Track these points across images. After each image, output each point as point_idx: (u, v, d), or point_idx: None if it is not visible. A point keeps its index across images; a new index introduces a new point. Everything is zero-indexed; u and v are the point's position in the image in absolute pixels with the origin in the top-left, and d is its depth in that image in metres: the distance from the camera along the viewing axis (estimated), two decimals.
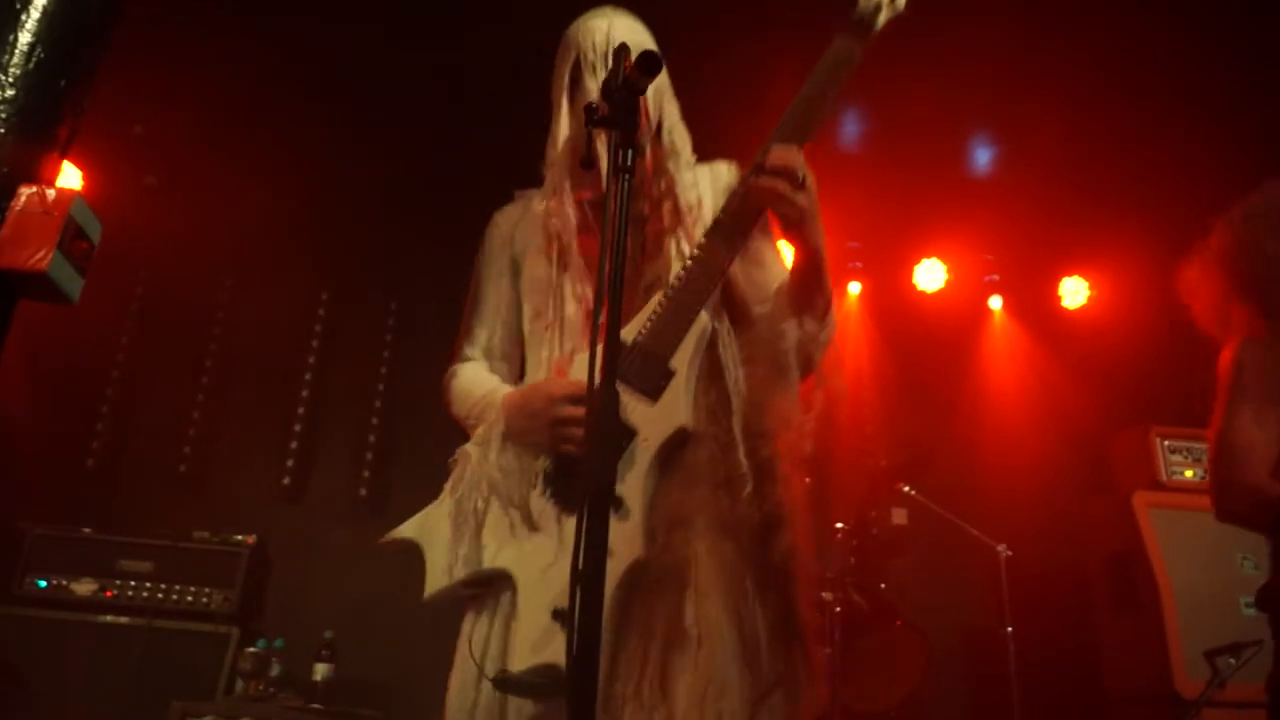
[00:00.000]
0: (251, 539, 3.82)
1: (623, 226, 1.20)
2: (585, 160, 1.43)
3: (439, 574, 1.56)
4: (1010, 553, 4.16)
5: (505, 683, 1.43)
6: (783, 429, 1.54)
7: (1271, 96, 4.27)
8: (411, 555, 1.63)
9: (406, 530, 1.63)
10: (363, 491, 4.46)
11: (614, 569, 1.39)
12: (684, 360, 1.52)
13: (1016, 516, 4.59)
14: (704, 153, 1.83)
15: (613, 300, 1.11)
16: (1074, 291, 5.48)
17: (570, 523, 1.49)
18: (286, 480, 4.48)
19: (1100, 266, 5.45)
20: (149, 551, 3.71)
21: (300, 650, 3.61)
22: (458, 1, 4.22)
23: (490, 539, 1.54)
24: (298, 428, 4.58)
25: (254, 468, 4.52)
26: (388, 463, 4.53)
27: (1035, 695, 4.05)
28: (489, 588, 1.57)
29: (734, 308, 1.66)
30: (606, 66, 1.66)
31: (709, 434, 1.53)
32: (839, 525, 4.16)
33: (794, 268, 1.62)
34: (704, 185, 1.76)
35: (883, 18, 1.61)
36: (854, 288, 5.44)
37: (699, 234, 1.65)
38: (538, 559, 1.49)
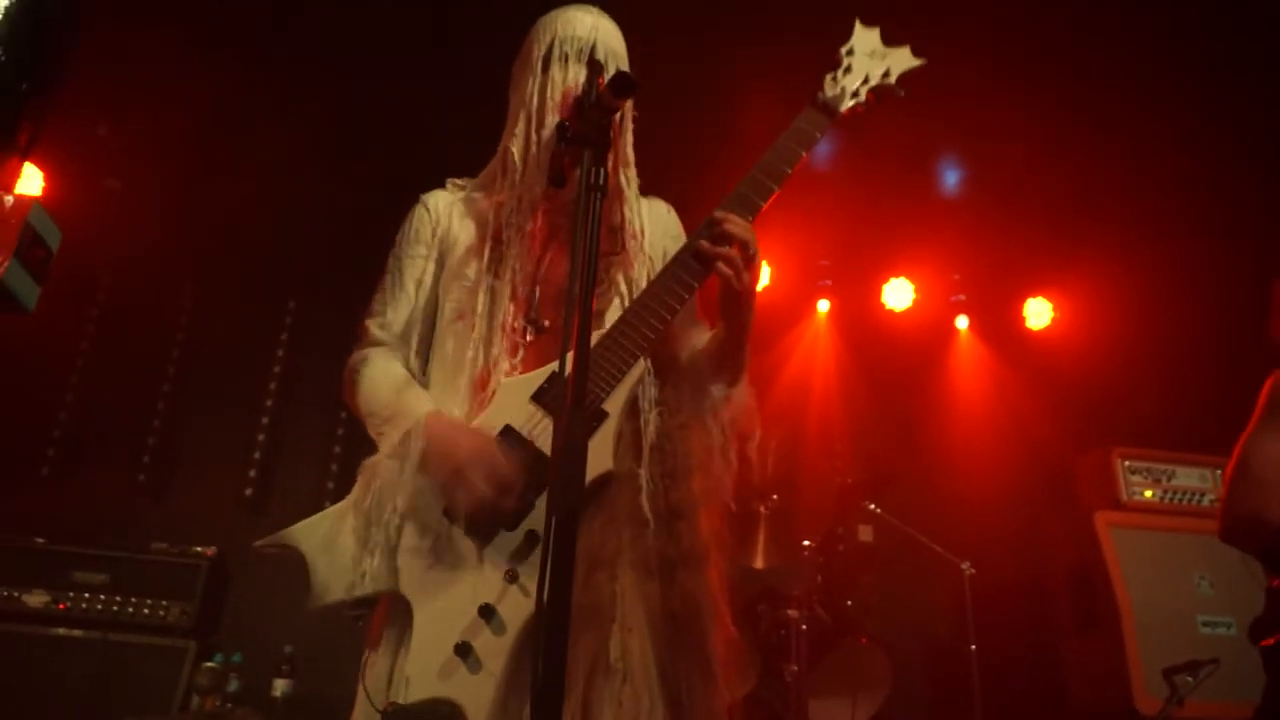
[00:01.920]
0: (211, 551, 3.75)
1: (594, 247, 1.19)
2: (555, 178, 1.42)
3: (335, 587, 1.44)
4: (974, 570, 4.19)
5: (397, 715, 1.36)
6: (698, 471, 1.55)
7: (1233, 124, 4.37)
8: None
9: (293, 537, 1.50)
10: (327, 503, 4.38)
11: (525, 604, 1.38)
12: (616, 404, 1.51)
13: (981, 534, 4.63)
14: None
15: (582, 324, 1.11)
16: (1038, 313, 5.56)
17: (483, 554, 1.44)
18: (249, 491, 4.41)
19: (1064, 289, 5.53)
20: (104, 563, 3.62)
21: (260, 665, 3.55)
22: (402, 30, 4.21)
23: (394, 560, 1.45)
24: (261, 437, 4.51)
25: (216, 478, 4.44)
26: (353, 473, 4.46)
27: (999, 712, 4.07)
28: (377, 613, 1.49)
29: (662, 355, 1.65)
30: (581, 61, 1.65)
31: (628, 475, 1.53)
32: (806, 543, 4.17)
33: (721, 336, 1.62)
34: (645, 218, 1.75)
35: (846, 106, 1.67)
36: (823, 306, 5.48)
37: (639, 266, 1.65)
38: (440, 587, 1.43)
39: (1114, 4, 3.95)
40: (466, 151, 1.90)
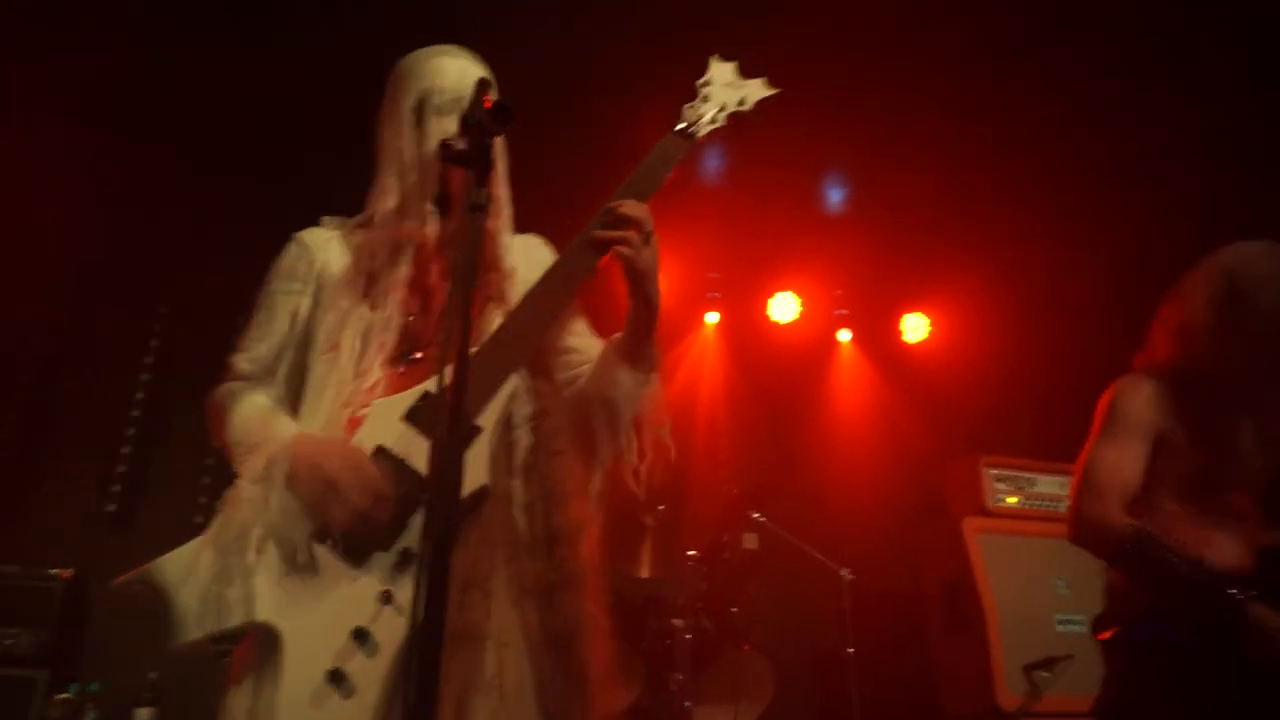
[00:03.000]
0: (67, 572, 3.53)
1: (472, 265, 1.19)
2: (439, 198, 1.41)
3: (198, 622, 1.38)
4: (853, 576, 4.33)
5: None
6: (575, 496, 1.56)
7: (1104, 146, 4.63)
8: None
9: (153, 572, 1.43)
10: (199, 519, 4.19)
11: (400, 625, 1.36)
12: (490, 419, 1.51)
13: (859, 541, 4.80)
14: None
15: (460, 336, 1.10)
16: (915, 327, 5.81)
17: (355, 576, 1.41)
18: (111, 507, 4.15)
19: (939, 304, 5.80)
20: None
21: (121, 695, 3.35)
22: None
23: (261, 588, 1.40)
24: (126, 450, 4.26)
25: (74, 492, 4.17)
26: (229, 486, 4.27)
27: (875, 714, 4.22)
28: (241, 647, 1.45)
29: (541, 369, 1.65)
30: (453, 113, 1.64)
31: (503, 493, 1.52)
32: (691, 552, 4.22)
33: (630, 320, 1.64)
34: (518, 255, 1.75)
35: (704, 131, 1.76)
36: (712, 318, 5.58)
37: (513, 303, 1.65)
38: (310, 612, 1.39)
39: (991, 24, 4.11)
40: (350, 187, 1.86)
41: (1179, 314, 2.25)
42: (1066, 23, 4.11)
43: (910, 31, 4.16)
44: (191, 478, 4.26)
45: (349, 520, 1.42)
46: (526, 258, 1.76)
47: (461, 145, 1.27)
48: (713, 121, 1.77)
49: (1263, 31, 3.94)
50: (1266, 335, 2.11)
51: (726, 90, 1.81)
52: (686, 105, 1.79)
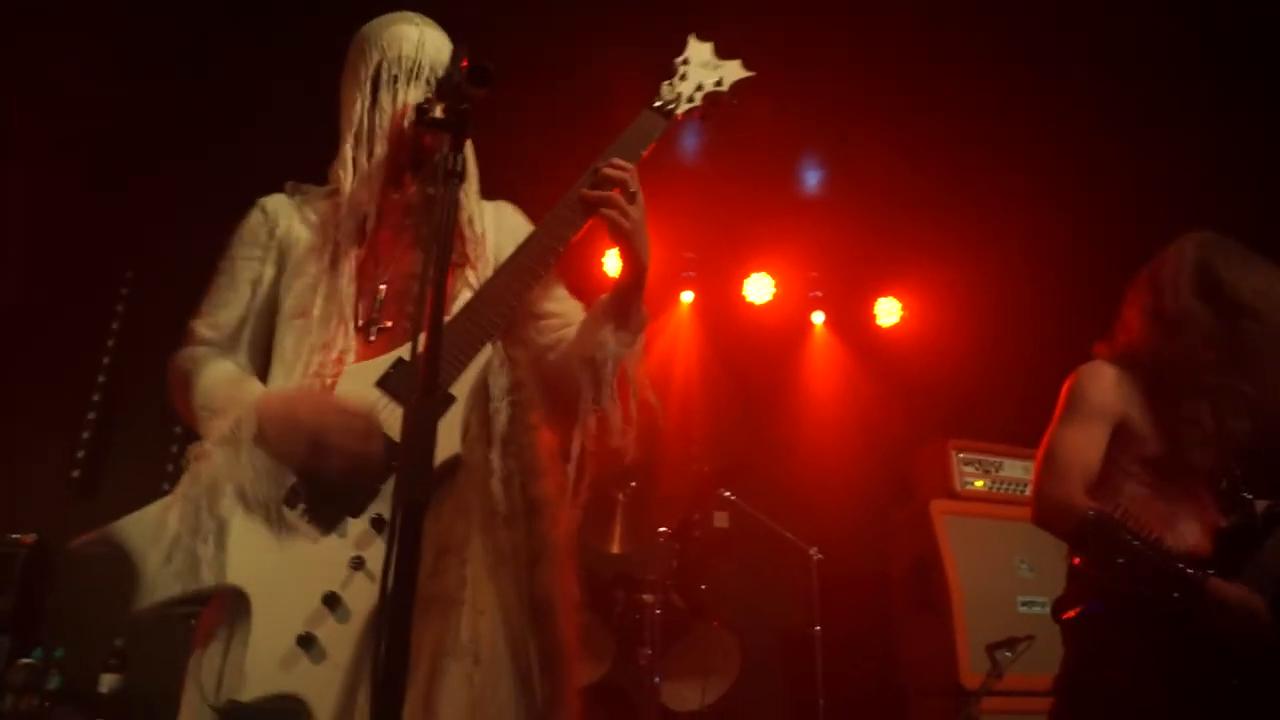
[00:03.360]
0: (30, 538, 3.49)
1: (448, 231, 1.18)
2: (412, 160, 1.39)
3: (165, 584, 1.35)
4: (821, 556, 4.38)
5: (235, 713, 1.29)
6: (552, 470, 1.56)
7: (1079, 132, 4.67)
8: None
9: (118, 532, 1.40)
10: (166, 486, 4.14)
11: (371, 591, 1.35)
12: (464, 389, 1.49)
13: (829, 521, 4.85)
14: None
15: (434, 310, 1.09)
16: (888, 311, 5.85)
17: (326, 541, 1.40)
18: (76, 473, 4.10)
19: (912, 289, 5.84)
20: None
21: (86, 660, 3.32)
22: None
23: (231, 550, 1.38)
24: (91, 415, 4.20)
25: (38, 458, 4.10)
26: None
27: (840, 692, 4.28)
28: (208, 609, 1.43)
29: (518, 338, 1.65)
30: (412, 81, 1.65)
31: (479, 461, 1.51)
32: (662, 529, 4.25)
33: (618, 281, 1.64)
34: (489, 221, 1.75)
35: (681, 109, 1.78)
36: (687, 297, 5.58)
37: (484, 269, 1.65)
38: (281, 576, 1.37)
39: (964, 9, 4.13)
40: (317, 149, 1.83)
41: (1145, 299, 2.28)
42: (1038, 9, 4.13)
43: (885, 15, 4.17)
44: (159, 444, 4.20)
45: (346, 466, 1.40)
46: (498, 224, 1.76)
47: (437, 111, 1.25)
48: (690, 100, 1.79)
49: (1224, 19, 3.97)
50: (1231, 321, 2.14)
51: (704, 70, 1.82)
52: (664, 82, 1.80)
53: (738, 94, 1.83)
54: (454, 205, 1.19)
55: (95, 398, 4.23)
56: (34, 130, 4.02)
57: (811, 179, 5.46)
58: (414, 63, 1.66)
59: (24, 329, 4.22)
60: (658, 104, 1.77)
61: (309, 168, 1.81)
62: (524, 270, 1.57)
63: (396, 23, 1.72)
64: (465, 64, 1.27)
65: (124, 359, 4.33)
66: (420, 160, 1.55)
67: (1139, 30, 4.13)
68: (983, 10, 4.12)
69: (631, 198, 1.57)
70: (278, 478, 1.42)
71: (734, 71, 1.83)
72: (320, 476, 1.41)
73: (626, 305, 1.63)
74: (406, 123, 1.62)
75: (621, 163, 1.59)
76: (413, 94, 1.65)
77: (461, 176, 1.22)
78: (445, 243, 1.15)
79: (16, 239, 4.28)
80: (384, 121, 1.65)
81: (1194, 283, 2.19)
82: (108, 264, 4.40)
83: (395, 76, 1.66)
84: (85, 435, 4.16)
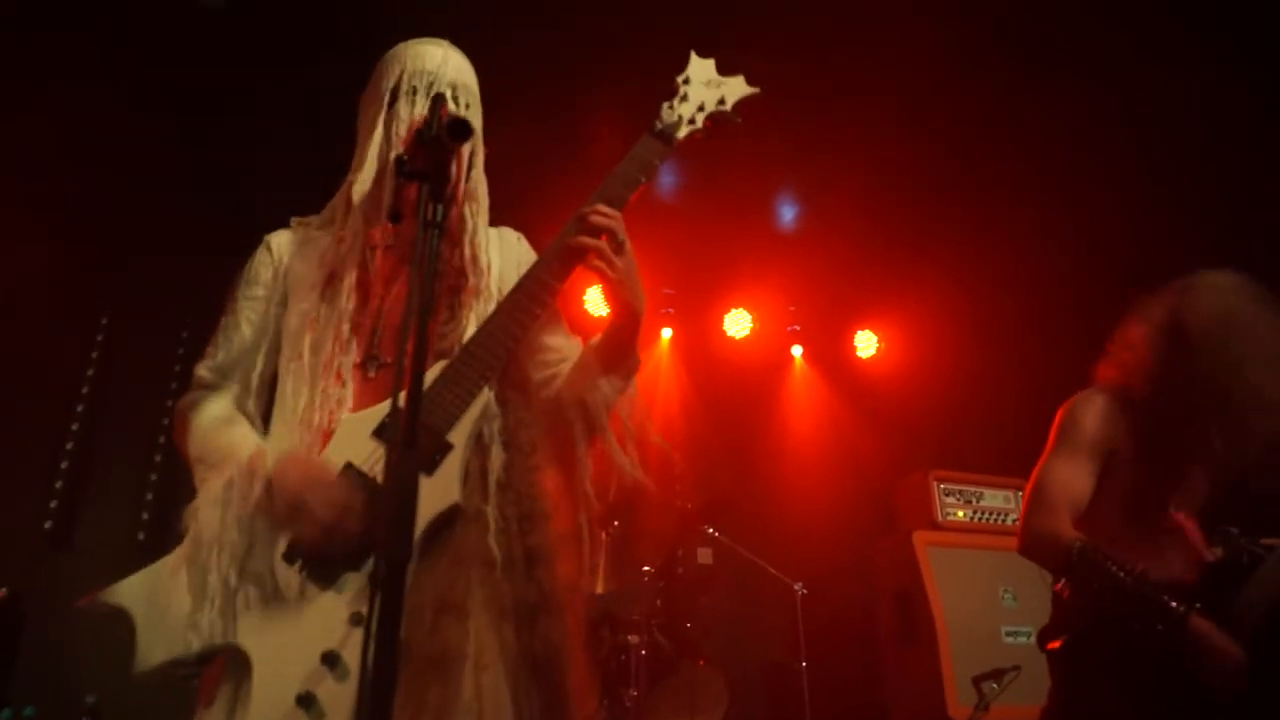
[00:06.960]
0: (2, 592, 3.40)
1: (429, 283, 1.18)
2: (391, 214, 1.39)
3: (168, 646, 1.36)
4: (806, 590, 4.36)
5: None
6: (554, 515, 1.54)
7: (1057, 165, 4.73)
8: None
9: (117, 595, 1.40)
10: (141, 535, 4.08)
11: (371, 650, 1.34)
12: (462, 435, 1.47)
13: (812, 555, 4.85)
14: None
15: (416, 364, 1.08)
16: (866, 343, 5.89)
17: (324, 598, 1.39)
18: (48, 524, 4.02)
19: (890, 321, 5.91)
20: None
21: (57, 718, 3.24)
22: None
23: (229, 611, 1.38)
24: (65, 464, 4.13)
25: (9, 508, 4.02)
26: (172, 504, 4.16)
27: None
28: (211, 670, 1.42)
29: (513, 380, 1.62)
30: (429, 95, 1.62)
31: (476, 512, 1.49)
32: (646, 568, 4.22)
33: (609, 327, 1.63)
34: (494, 250, 1.73)
35: (683, 133, 1.72)
36: (666, 333, 5.60)
37: (486, 301, 1.63)
38: (281, 635, 1.37)
39: (943, 40, 4.17)
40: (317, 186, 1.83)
41: (1134, 337, 2.30)
42: (1016, 38, 4.19)
43: (862, 50, 4.23)
44: (133, 495, 4.15)
45: (317, 534, 1.39)
46: (502, 253, 1.74)
47: (417, 162, 1.26)
48: (691, 123, 1.72)
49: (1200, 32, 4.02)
50: (1210, 372, 2.15)
51: (706, 89, 1.76)
52: (665, 104, 1.74)
53: (741, 112, 1.76)
54: (434, 255, 1.18)
55: (68, 446, 4.16)
56: (4, 174, 3.99)
57: (787, 214, 5.51)
58: (435, 77, 1.64)
59: None
60: (659, 128, 1.70)
61: (284, 215, 1.79)
62: (517, 315, 1.54)
63: (422, 43, 1.71)
64: (445, 114, 1.28)
65: (98, 408, 4.27)
66: (401, 210, 1.53)
67: (1114, 62, 4.18)
68: (961, 47, 4.18)
69: (619, 247, 1.55)
70: (271, 539, 1.42)
71: (737, 89, 1.76)
72: (297, 541, 1.41)
73: (618, 349, 1.62)
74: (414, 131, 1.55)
75: (607, 210, 1.56)
76: (426, 105, 1.62)
77: (442, 228, 1.22)
78: (426, 300, 1.15)
79: None
80: (400, 130, 1.62)
81: (1170, 335, 2.20)
82: (82, 311, 4.36)
83: (415, 89, 1.64)
84: (58, 485, 4.09)
